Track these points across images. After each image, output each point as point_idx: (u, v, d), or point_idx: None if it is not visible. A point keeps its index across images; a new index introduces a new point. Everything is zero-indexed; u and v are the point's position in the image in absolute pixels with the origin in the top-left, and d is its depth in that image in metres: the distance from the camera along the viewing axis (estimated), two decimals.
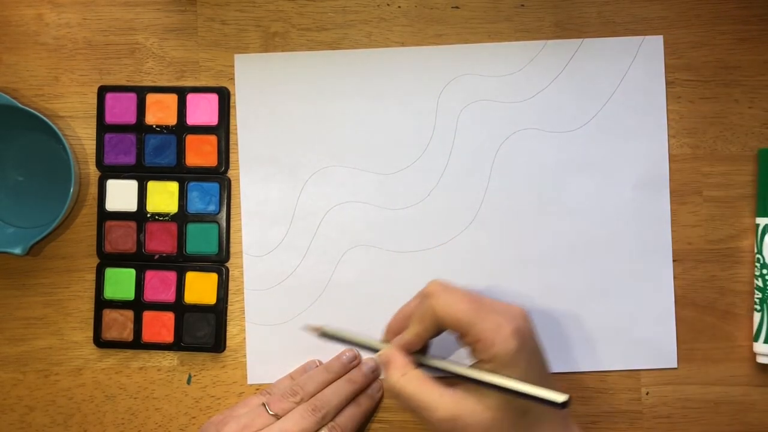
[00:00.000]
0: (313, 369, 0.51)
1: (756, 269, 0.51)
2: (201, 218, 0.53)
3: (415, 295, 0.47)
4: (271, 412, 0.47)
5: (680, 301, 0.52)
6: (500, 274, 0.52)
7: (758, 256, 0.51)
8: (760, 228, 0.51)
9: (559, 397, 0.40)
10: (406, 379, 0.43)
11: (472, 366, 0.43)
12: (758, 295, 0.51)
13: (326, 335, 0.49)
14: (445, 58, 0.53)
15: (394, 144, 0.53)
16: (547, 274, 0.52)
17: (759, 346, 0.51)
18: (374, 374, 0.52)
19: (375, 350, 0.47)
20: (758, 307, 0.51)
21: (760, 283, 0.51)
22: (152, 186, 0.54)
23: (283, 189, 0.53)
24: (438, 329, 0.44)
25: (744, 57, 0.53)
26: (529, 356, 0.42)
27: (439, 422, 0.42)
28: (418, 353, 0.46)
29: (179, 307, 0.53)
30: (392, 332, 0.47)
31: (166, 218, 0.53)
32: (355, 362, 0.52)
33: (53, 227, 0.51)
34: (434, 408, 0.42)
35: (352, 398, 0.50)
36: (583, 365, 0.52)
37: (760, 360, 0.51)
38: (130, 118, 0.54)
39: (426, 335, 0.45)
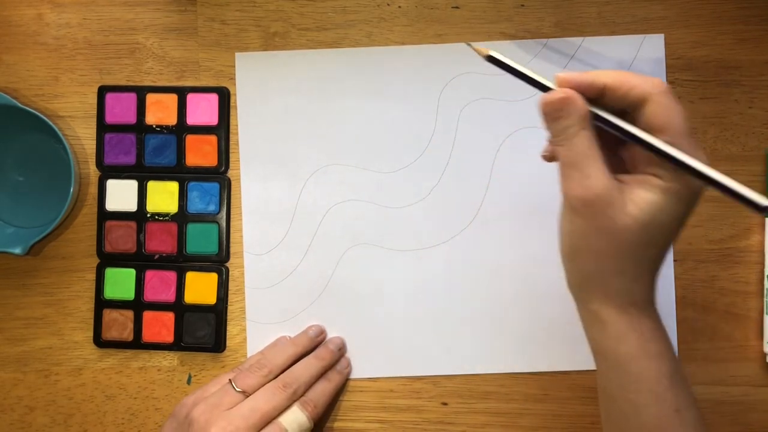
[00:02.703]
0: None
1: (767, 269, 0.51)
2: (201, 218, 0.53)
3: (626, 72, 0.38)
4: (238, 389, 0.47)
5: (681, 302, 0.52)
6: (501, 272, 0.52)
7: None
8: None
9: (763, 200, 0.35)
10: (584, 132, 0.37)
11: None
12: None
13: (493, 59, 0.40)
14: (445, 57, 0.53)
15: (395, 143, 0.53)
16: (547, 273, 0.52)
17: None
18: (340, 352, 0.52)
19: (544, 88, 0.39)
20: None
21: None
22: (152, 186, 0.54)
23: (283, 188, 0.53)
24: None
25: (744, 57, 0.53)
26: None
27: (581, 194, 0.37)
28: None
29: (179, 307, 0.53)
30: (565, 82, 0.38)
31: (166, 218, 0.53)
32: (320, 337, 0.52)
33: (53, 227, 0.51)
34: (589, 176, 0.36)
35: (322, 374, 0.50)
36: (583, 364, 0.52)
37: None
38: (130, 118, 0.54)
39: (600, 86, 0.37)
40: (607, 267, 0.38)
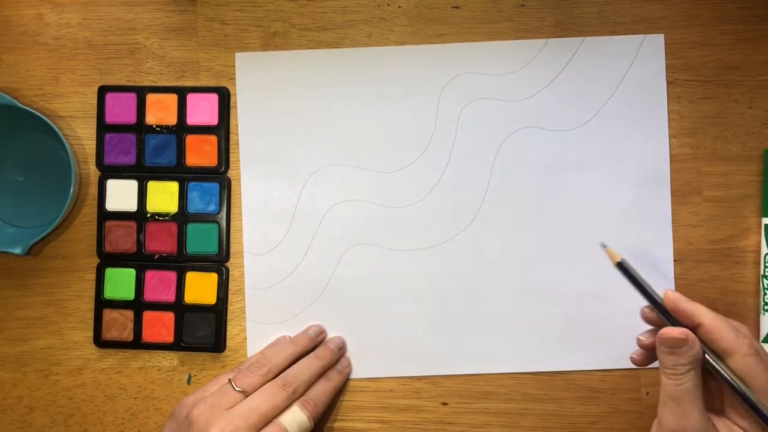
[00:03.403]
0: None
1: (764, 269, 0.51)
2: (201, 218, 0.53)
3: (722, 319, 0.42)
4: (237, 389, 0.47)
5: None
6: (501, 272, 0.52)
7: (766, 255, 0.51)
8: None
9: None
10: (694, 373, 0.40)
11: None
12: (766, 295, 0.51)
13: (623, 267, 0.44)
14: (446, 57, 0.53)
15: (395, 142, 0.53)
16: (547, 273, 0.52)
17: None
18: (341, 351, 0.52)
19: (661, 310, 0.43)
20: None
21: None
22: (152, 186, 0.54)
23: (284, 187, 0.53)
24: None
25: (744, 57, 0.53)
26: None
27: (677, 428, 0.40)
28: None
29: (179, 307, 0.53)
30: (677, 308, 0.42)
31: (166, 218, 0.53)
32: (320, 337, 0.52)
33: (53, 227, 0.51)
34: (688, 416, 0.40)
35: (322, 374, 0.50)
36: (583, 364, 0.52)
37: None
38: (130, 118, 0.54)
39: (697, 322, 0.42)
40: None
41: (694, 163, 0.53)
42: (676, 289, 0.52)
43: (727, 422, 0.41)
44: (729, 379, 0.41)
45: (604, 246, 0.46)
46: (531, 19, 0.53)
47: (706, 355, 0.41)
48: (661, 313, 0.43)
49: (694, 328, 0.42)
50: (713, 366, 0.41)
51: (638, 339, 0.45)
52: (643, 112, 0.52)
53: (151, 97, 0.53)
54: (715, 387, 0.43)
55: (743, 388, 0.40)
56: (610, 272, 0.52)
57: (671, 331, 0.41)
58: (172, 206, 0.54)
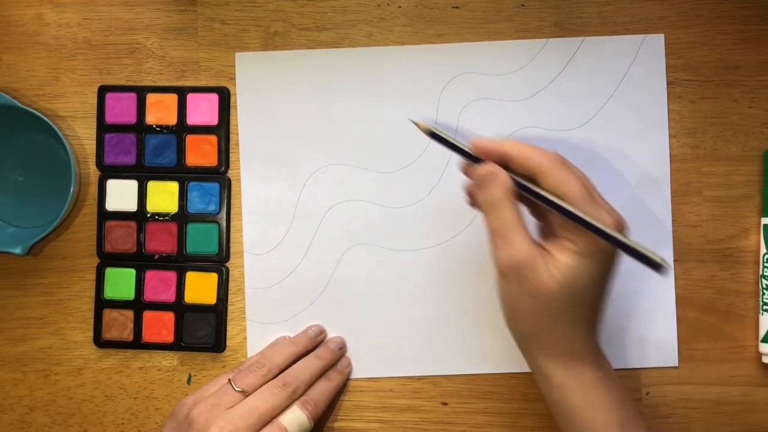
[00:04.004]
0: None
1: (763, 269, 0.51)
2: (201, 218, 0.53)
3: (528, 145, 0.42)
4: (237, 389, 0.47)
5: (681, 301, 0.52)
6: None
7: (765, 255, 0.51)
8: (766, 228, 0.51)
9: (658, 258, 0.40)
10: (509, 203, 0.41)
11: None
12: (765, 295, 0.51)
13: (433, 134, 0.45)
14: (445, 57, 0.53)
15: (395, 142, 0.53)
16: None
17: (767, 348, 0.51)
18: (341, 351, 0.52)
19: (473, 158, 0.44)
20: (767, 308, 0.51)
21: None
22: (152, 186, 0.54)
23: (283, 187, 0.53)
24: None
25: (744, 57, 0.53)
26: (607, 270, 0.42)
27: (507, 261, 0.41)
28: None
29: (179, 307, 0.53)
30: (487, 153, 0.43)
31: (166, 218, 0.53)
32: (320, 337, 0.52)
33: (53, 227, 0.51)
34: (513, 245, 0.41)
35: (322, 374, 0.50)
36: None
37: (767, 360, 0.51)
38: (130, 118, 0.54)
39: (503, 154, 0.43)
40: (541, 326, 0.42)
41: (694, 163, 0.53)
42: (676, 289, 0.52)
43: (558, 241, 0.41)
44: (544, 195, 0.41)
45: (413, 122, 0.46)
46: (531, 19, 0.53)
47: (519, 181, 0.42)
48: (474, 163, 0.43)
49: (507, 163, 0.42)
50: (527, 188, 0.42)
51: (465, 189, 0.45)
52: (643, 112, 0.52)
53: (151, 97, 0.53)
54: (542, 212, 0.43)
55: (559, 201, 0.41)
56: None
57: (477, 169, 0.43)
58: (172, 206, 0.54)
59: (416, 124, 0.45)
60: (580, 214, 0.40)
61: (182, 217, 0.53)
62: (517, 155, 0.42)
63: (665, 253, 0.52)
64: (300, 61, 0.53)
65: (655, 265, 0.40)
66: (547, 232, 0.43)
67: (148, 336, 0.53)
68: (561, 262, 0.40)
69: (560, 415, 0.44)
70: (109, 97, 0.54)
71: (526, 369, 0.52)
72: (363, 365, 0.53)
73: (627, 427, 0.42)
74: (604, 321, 0.52)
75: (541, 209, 0.43)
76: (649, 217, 0.52)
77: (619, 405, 0.43)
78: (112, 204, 0.54)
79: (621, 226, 0.42)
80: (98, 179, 0.54)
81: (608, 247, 0.41)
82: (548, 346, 0.43)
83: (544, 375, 0.44)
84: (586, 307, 0.42)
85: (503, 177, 0.42)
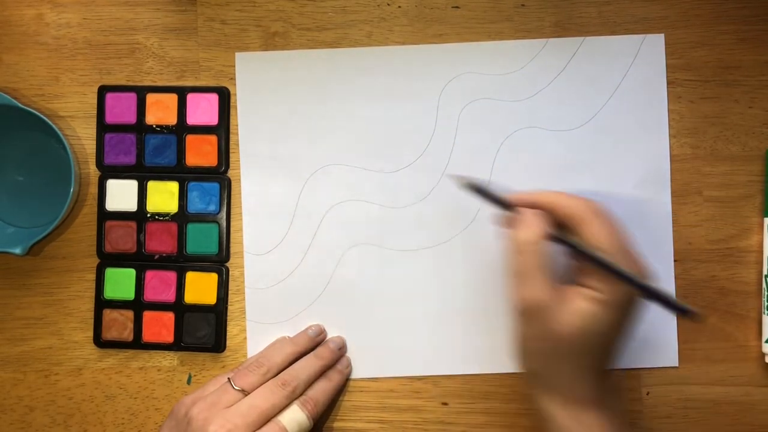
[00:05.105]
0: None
1: (766, 269, 0.51)
2: (201, 218, 0.53)
3: (561, 193, 0.44)
4: (236, 387, 0.47)
5: (681, 301, 0.52)
6: (501, 272, 0.52)
7: None
8: None
9: (694, 309, 0.40)
10: (537, 248, 0.42)
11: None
12: None
13: (469, 186, 0.47)
14: (446, 57, 0.53)
15: (395, 142, 0.53)
16: None
17: None
18: (341, 351, 0.52)
19: (507, 207, 0.45)
20: None
21: None
22: (152, 186, 0.54)
23: (284, 187, 0.53)
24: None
25: (744, 57, 0.53)
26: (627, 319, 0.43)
27: (528, 302, 0.42)
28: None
29: (179, 307, 0.53)
30: (523, 203, 0.45)
31: (166, 218, 0.53)
32: (320, 337, 0.52)
33: (53, 227, 0.51)
34: (534, 286, 0.42)
35: (321, 373, 0.50)
36: None
37: None
38: (130, 118, 0.54)
39: (541, 206, 0.44)
40: (549, 367, 0.43)
41: (694, 163, 0.53)
42: (676, 290, 0.52)
43: (577, 288, 0.42)
44: (577, 246, 0.42)
45: (449, 176, 0.50)
46: (531, 19, 0.53)
47: (553, 233, 0.43)
48: (510, 212, 0.45)
49: (548, 210, 0.44)
50: (561, 238, 0.43)
51: (500, 224, 0.47)
52: (643, 112, 0.52)
53: (151, 97, 0.53)
54: (567, 259, 0.44)
55: (593, 252, 0.41)
56: None
57: (514, 214, 0.44)
58: (172, 206, 0.54)
59: (454, 178, 0.48)
60: (616, 266, 0.41)
61: (182, 217, 0.53)
62: (553, 204, 0.44)
63: (666, 253, 0.52)
64: (300, 61, 0.53)
65: (689, 313, 0.41)
66: (573, 275, 0.44)
67: (148, 336, 0.53)
68: (580, 308, 0.41)
69: None
70: (109, 97, 0.54)
71: None
72: (363, 365, 0.53)
73: None
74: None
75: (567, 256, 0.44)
76: (649, 217, 0.52)
77: None
78: (112, 204, 0.54)
79: (649, 276, 0.42)
80: (98, 179, 0.54)
81: (633, 297, 0.41)
82: (554, 387, 0.43)
83: (546, 416, 0.44)
84: (598, 353, 0.43)
85: (537, 222, 0.43)
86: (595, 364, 0.43)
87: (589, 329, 0.41)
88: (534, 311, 0.42)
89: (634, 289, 0.41)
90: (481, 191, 0.46)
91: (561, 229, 0.44)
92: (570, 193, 0.44)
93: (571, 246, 0.43)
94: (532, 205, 0.44)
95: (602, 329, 0.41)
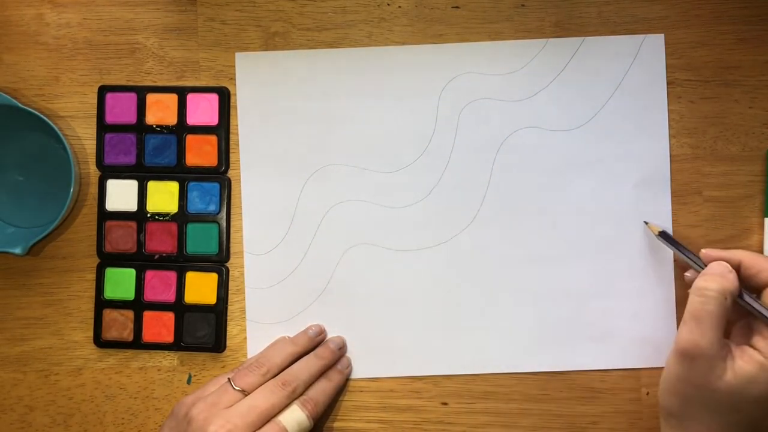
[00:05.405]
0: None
1: None
2: (201, 218, 0.53)
3: (758, 255, 0.46)
4: (236, 388, 0.47)
5: (681, 301, 0.52)
6: (501, 272, 0.52)
7: None
8: None
9: None
10: (721, 300, 0.43)
11: None
12: None
13: (664, 236, 0.49)
14: (445, 57, 0.53)
15: (395, 142, 0.53)
16: (547, 273, 0.52)
17: None
18: (341, 351, 0.52)
19: (701, 266, 0.47)
20: None
21: None
22: (152, 186, 0.54)
23: (284, 187, 0.53)
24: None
25: (744, 57, 0.53)
26: None
27: (692, 345, 0.42)
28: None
29: (179, 307, 0.53)
30: (709, 258, 0.46)
31: (166, 218, 0.53)
32: (320, 337, 0.52)
33: (53, 227, 0.51)
34: (704, 334, 0.42)
35: (322, 373, 0.50)
36: (583, 364, 0.52)
37: None
38: (130, 118, 0.54)
39: (737, 263, 0.45)
40: (690, 412, 0.43)
41: (694, 163, 0.53)
42: (675, 290, 0.52)
43: (747, 349, 0.43)
44: (760, 308, 0.43)
45: (646, 223, 0.51)
46: (531, 19, 0.53)
47: (743, 292, 0.44)
48: (701, 268, 0.47)
49: (736, 269, 0.45)
50: (747, 301, 0.44)
51: (685, 276, 0.49)
52: (643, 112, 0.52)
53: (151, 97, 0.53)
54: (748, 322, 0.45)
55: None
56: (611, 272, 0.52)
57: (709, 267, 0.45)
58: (172, 206, 0.54)
59: (649, 225, 0.51)
60: None
61: (182, 217, 0.53)
62: (749, 264, 0.45)
63: (665, 253, 0.52)
64: (300, 61, 0.53)
65: None
66: (744, 333, 0.45)
67: (148, 336, 0.53)
68: (741, 368, 0.42)
69: None
70: (109, 97, 0.54)
71: (526, 369, 0.53)
72: (363, 365, 0.53)
73: None
74: (605, 321, 0.52)
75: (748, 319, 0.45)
76: (649, 216, 0.52)
77: None
78: (112, 204, 0.54)
79: None
80: (98, 179, 0.54)
81: None
82: (685, 430, 0.43)
83: None
84: (745, 417, 0.42)
85: (727, 276, 0.44)
86: (738, 426, 0.43)
87: (744, 391, 0.41)
88: (694, 357, 0.42)
89: None
90: (673, 242, 0.49)
91: (747, 288, 0.45)
92: (765, 255, 0.45)
93: (751, 305, 0.44)
94: (727, 259, 0.45)
95: (758, 394, 0.42)
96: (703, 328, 0.42)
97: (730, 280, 0.44)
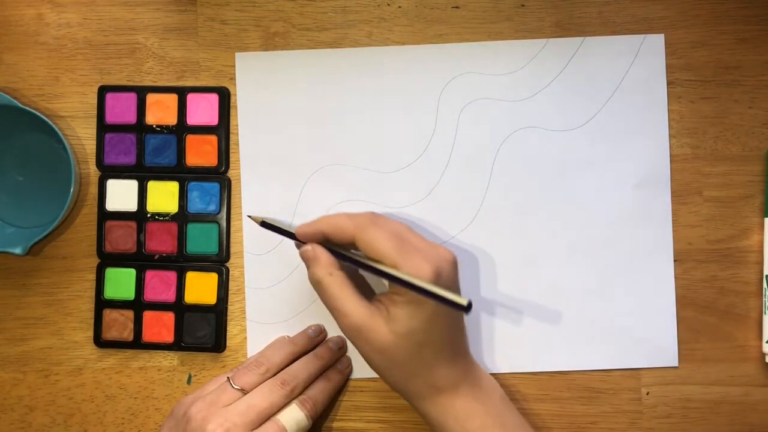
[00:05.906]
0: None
1: (766, 270, 0.51)
2: (201, 218, 0.53)
3: (341, 214, 0.46)
4: (235, 387, 0.47)
5: (681, 301, 0.52)
6: (501, 272, 0.52)
7: None
8: None
9: (463, 300, 0.41)
10: (332, 279, 0.45)
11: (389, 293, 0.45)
12: None
13: (266, 225, 0.49)
14: (446, 57, 0.53)
15: (395, 143, 0.53)
16: (547, 273, 0.52)
17: None
18: (341, 351, 0.52)
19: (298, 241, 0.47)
20: None
21: None
22: (152, 186, 0.54)
23: (283, 187, 0.53)
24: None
25: (744, 57, 0.53)
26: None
27: (347, 328, 0.45)
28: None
29: (179, 307, 0.53)
30: (307, 236, 0.47)
31: (167, 218, 0.53)
32: (320, 337, 0.52)
33: (53, 227, 0.51)
34: (346, 314, 0.44)
35: (321, 373, 0.50)
36: (583, 364, 0.52)
37: None
38: (131, 118, 0.54)
39: (322, 233, 0.46)
40: (400, 375, 0.45)
41: (694, 163, 0.53)
42: (675, 290, 0.52)
43: (390, 294, 0.44)
44: (358, 260, 0.44)
45: (249, 217, 0.51)
46: (531, 19, 0.53)
47: (337, 251, 0.45)
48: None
49: (328, 239, 0.46)
50: (345, 257, 0.45)
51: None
52: (643, 112, 0.52)
53: (151, 97, 0.54)
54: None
55: (369, 262, 0.44)
56: (611, 272, 0.52)
57: (302, 250, 0.46)
58: (172, 206, 0.54)
59: (251, 218, 0.50)
60: (386, 269, 0.43)
61: (182, 217, 0.53)
62: (331, 229, 0.45)
63: (666, 253, 0.52)
64: (300, 61, 0.53)
65: (462, 308, 0.41)
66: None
67: (148, 336, 0.53)
68: (395, 314, 0.43)
69: None
70: (109, 97, 0.54)
71: (526, 369, 0.53)
72: (363, 365, 0.52)
73: None
74: (605, 321, 0.52)
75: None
76: (649, 216, 0.52)
77: (500, 422, 0.45)
78: (112, 204, 0.54)
79: (445, 263, 0.44)
80: (98, 179, 0.54)
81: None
82: (411, 390, 0.46)
83: (422, 414, 0.47)
84: (435, 345, 0.44)
85: (321, 255, 0.45)
86: (440, 354, 0.44)
87: (411, 329, 0.43)
88: (359, 334, 0.44)
89: (409, 289, 0.42)
90: (274, 228, 0.48)
91: (347, 249, 0.46)
92: (349, 213, 0.46)
93: (354, 262, 0.45)
94: (317, 235, 0.46)
95: (423, 324, 0.43)
96: (343, 310, 0.44)
97: (325, 258, 0.45)
